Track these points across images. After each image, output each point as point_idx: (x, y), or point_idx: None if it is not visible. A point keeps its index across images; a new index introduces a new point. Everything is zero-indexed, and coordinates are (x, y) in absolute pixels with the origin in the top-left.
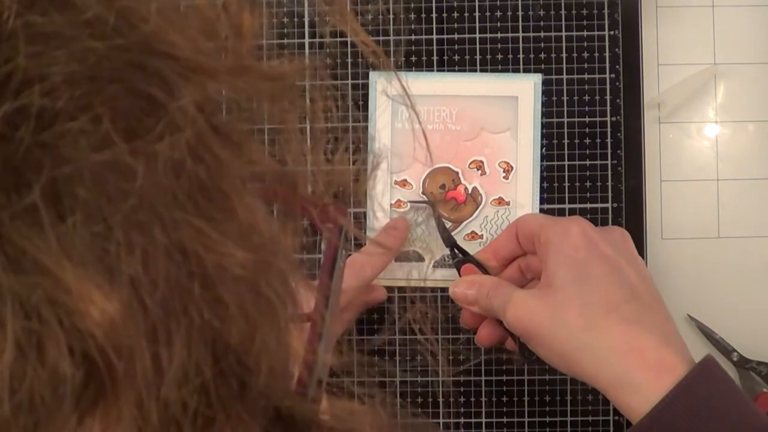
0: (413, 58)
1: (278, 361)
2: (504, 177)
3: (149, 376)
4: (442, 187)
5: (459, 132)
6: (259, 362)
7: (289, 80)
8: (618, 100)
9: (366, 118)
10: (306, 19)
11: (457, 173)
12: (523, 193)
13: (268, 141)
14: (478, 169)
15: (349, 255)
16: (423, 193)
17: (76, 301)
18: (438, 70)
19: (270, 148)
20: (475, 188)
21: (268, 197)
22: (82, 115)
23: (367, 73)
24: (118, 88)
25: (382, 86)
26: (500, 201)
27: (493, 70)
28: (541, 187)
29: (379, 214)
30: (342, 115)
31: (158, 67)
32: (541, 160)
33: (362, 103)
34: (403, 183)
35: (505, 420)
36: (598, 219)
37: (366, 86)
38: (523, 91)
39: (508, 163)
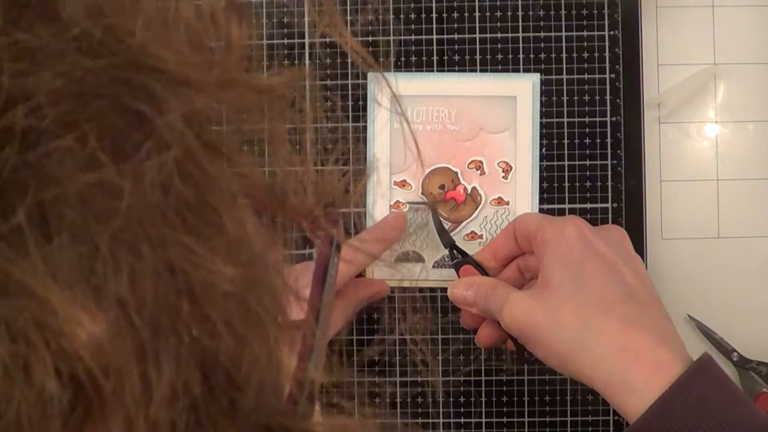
0: (413, 58)
1: (268, 378)
2: (503, 177)
3: (138, 396)
4: (442, 187)
5: (458, 132)
6: (249, 379)
7: (277, 92)
8: (618, 100)
9: (365, 118)
10: (306, 19)
11: (456, 173)
12: (522, 193)
13: (257, 152)
14: (477, 169)
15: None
16: (422, 193)
17: (63, 324)
18: (438, 70)
19: (260, 159)
20: (474, 188)
21: (258, 207)
22: (67, 134)
23: (366, 74)
24: (104, 104)
25: (376, 89)
26: (499, 201)
27: (493, 70)
28: (541, 187)
29: (369, 223)
30: (341, 115)
31: (145, 82)
32: (541, 160)
33: (362, 104)
34: (402, 183)
35: (505, 420)
36: (598, 219)
37: (365, 86)
38: (522, 90)
39: (507, 163)
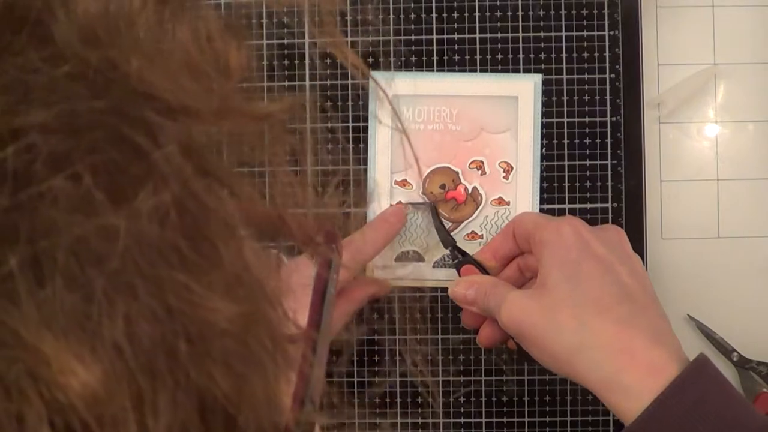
0: (413, 58)
1: (266, 415)
2: (504, 177)
3: None
4: (442, 187)
5: (459, 132)
6: (247, 418)
7: (275, 119)
8: (618, 100)
9: (366, 119)
10: (306, 19)
11: (457, 173)
12: (523, 193)
13: (254, 176)
14: (478, 169)
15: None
16: (423, 193)
17: (57, 374)
18: (438, 70)
19: (259, 186)
20: (475, 188)
21: (256, 230)
22: (61, 172)
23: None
24: (99, 136)
25: (377, 106)
26: (500, 201)
27: (493, 70)
28: (541, 187)
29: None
30: (341, 115)
31: (141, 112)
32: (541, 160)
33: (362, 103)
34: (403, 183)
35: (505, 420)
36: (598, 219)
37: (367, 86)
38: (523, 91)
39: (508, 163)
